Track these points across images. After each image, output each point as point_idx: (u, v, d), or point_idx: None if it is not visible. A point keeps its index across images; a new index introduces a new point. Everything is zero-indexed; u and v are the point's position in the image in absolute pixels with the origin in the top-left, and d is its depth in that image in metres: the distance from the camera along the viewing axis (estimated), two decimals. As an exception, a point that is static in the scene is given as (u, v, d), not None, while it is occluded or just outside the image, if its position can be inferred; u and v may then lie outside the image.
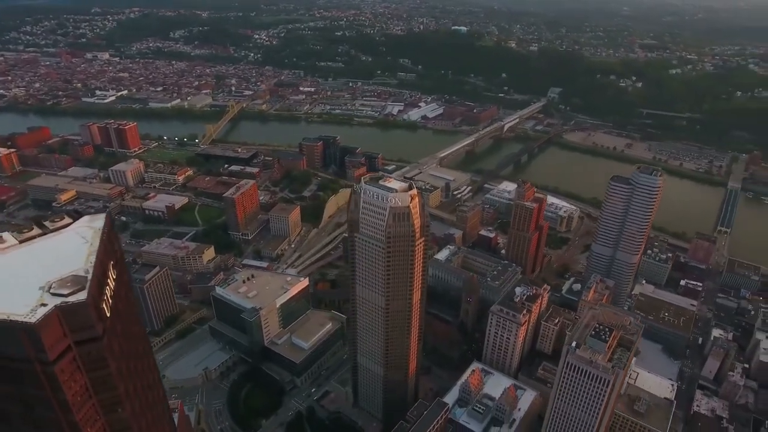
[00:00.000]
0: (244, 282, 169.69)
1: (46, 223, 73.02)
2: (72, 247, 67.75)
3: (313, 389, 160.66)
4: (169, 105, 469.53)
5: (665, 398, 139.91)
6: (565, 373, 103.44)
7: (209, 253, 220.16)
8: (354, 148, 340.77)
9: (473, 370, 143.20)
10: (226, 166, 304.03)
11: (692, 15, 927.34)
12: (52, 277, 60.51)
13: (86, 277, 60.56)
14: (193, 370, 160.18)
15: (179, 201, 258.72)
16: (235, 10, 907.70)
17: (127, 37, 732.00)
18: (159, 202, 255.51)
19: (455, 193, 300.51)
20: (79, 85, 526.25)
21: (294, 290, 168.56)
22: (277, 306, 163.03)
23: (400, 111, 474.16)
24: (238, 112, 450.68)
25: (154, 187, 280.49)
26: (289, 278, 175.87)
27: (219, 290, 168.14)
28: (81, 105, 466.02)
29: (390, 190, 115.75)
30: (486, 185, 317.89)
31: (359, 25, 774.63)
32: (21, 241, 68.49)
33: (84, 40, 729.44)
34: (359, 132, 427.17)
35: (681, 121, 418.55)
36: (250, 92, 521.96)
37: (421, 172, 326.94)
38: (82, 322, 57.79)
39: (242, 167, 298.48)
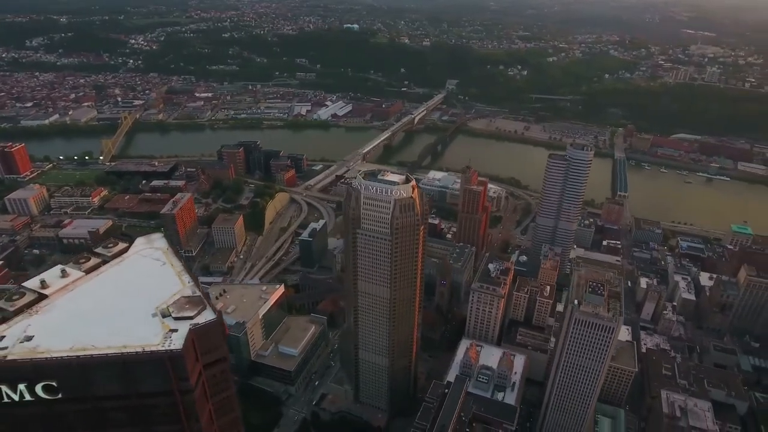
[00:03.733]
0: (217, 298, 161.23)
1: (100, 251, 67.24)
2: (150, 270, 63.92)
3: (310, 395, 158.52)
4: (47, 122, 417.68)
5: (627, 341, 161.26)
6: (573, 328, 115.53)
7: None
8: (277, 152, 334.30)
9: (468, 346, 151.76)
10: (144, 181, 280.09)
11: (550, 8, 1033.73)
12: (155, 302, 56.63)
13: (199, 296, 57.67)
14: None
15: (102, 225, 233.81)
16: (99, 14, 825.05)
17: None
18: (78, 228, 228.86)
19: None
20: None
21: (273, 299, 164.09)
22: (260, 317, 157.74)
23: (308, 111, 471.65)
24: (132, 124, 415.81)
25: (66, 212, 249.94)
26: (264, 287, 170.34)
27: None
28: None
29: (392, 183, 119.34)
30: (414, 176, 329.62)
31: (245, 25, 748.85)
32: (87, 272, 62.41)
33: None
34: (272, 135, 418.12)
35: (565, 103, 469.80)
36: (141, 102, 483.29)
37: (348, 170, 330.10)
38: (212, 343, 55.38)
39: (165, 181, 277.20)
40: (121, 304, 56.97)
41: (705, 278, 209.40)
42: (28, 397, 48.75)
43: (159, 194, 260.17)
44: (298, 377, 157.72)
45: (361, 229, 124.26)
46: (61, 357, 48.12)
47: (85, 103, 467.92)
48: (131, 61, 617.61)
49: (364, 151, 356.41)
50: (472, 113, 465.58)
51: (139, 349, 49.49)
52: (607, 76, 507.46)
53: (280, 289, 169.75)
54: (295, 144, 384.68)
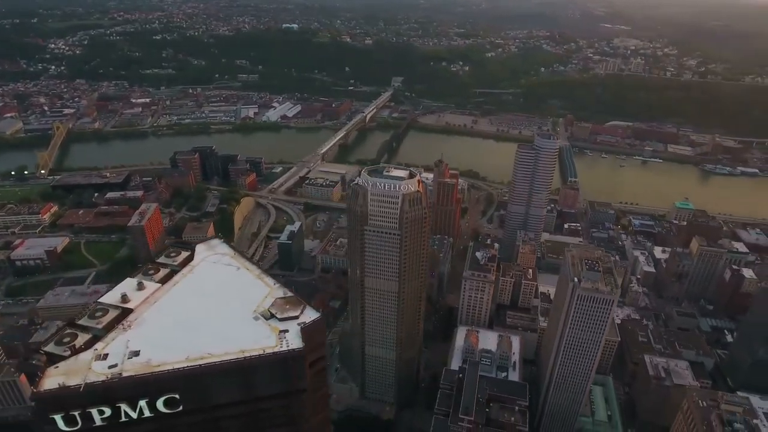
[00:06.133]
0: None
1: (164, 260, 65.54)
2: (226, 276, 63.76)
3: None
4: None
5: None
6: (576, 305, 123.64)
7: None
8: (234, 156, 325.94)
9: (466, 332, 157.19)
10: (96, 194, 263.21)
11: (478, 5, 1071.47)
12: (249, 306, 56.48)
13: (294, 296, 57.93)
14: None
15: (59, 243, 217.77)
16: (8, 17, 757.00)
17: None
18: (32, 248, 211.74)
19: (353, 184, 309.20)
20: None
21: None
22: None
23: (256, 113, 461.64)
24: (66, 135, 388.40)
25: (13, 232, 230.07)
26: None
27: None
28: None
29: (399, 179, 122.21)
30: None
31: (176, 26, 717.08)
32: (162, 282, 60.74)
33: None
34: (221, 139, 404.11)
35: (507, 96, 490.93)
36: (71, 110, 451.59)
37: (310, 171, 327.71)
38: (316, 341, 56.06)
39: (122, 193, 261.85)
40: (214, 311, 56.10)
41: (659, 252, 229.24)
42: (147, 413, 47.25)
43: (116, 207, 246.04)
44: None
45: (368, 226, 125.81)
46: (183, 368, 47.05)
47: (8, 114, 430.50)
48: (53, 67, 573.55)
49: (322, 152, 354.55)
50: (420, 110, 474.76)
51: (260, 352, 49.33)
52: (543, 69, 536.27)
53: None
54: (247, 147, 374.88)
